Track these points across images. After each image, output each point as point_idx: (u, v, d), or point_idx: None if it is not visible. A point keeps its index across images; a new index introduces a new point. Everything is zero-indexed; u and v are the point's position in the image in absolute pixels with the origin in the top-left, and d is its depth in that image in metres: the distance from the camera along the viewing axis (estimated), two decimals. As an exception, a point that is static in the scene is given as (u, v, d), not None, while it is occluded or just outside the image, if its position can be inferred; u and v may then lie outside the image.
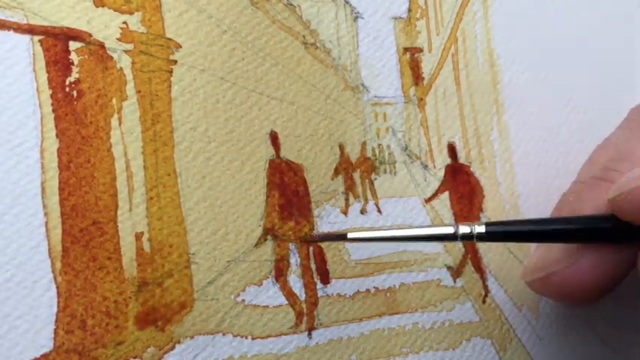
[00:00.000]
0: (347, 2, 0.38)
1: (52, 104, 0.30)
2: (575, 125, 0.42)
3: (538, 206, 0.40)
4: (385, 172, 0.37)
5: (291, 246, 0.34)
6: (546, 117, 0.41)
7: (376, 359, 0.35)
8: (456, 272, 0.38)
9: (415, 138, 0.39)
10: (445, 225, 0.31)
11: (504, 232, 0.32)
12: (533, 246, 0.38)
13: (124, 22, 0.32)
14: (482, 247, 0.39)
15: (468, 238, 0.31)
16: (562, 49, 0.42)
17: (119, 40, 0.32)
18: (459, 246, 0.38)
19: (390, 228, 0.33)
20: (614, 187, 0.30)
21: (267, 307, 0.33)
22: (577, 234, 0.32)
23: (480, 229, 0.31)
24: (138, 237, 0.31)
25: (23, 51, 0.30)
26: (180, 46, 0.33)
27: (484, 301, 0.38)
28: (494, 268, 0.39)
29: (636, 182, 0.29)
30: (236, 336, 0.32)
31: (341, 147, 0.36)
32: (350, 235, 0.32)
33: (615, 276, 0.32)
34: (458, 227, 0.31)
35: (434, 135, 0.39)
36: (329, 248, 0.35)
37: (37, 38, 0.30)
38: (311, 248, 0.35)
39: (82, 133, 0.30)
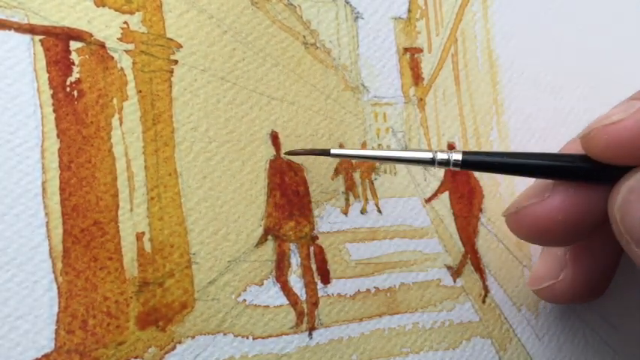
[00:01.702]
0: (347, 2, 0.38)
1: (53, 104, 0.30)
2: (575, 125, 0.42)
3: (538, 206, 0.40)
4: (385, 172, 0.37)
5: (292, 246, 0.34)
6: (546, 117, 0.41)
7: (377, 359, 0.35)
8: (456, 272, 0.38)
9: (415, 138, 0.39)
10: (424, 150, 0.32)
11: (479, 162, 0.32)
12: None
13: (125, 22, 0.32)
14: (482, 247, 0.39)
15: (444, 164, 0.32)
16: (562, 49, 0.43)
17: (120, 40, 0.32)
18: (458, 245, 0.38)
19: (373, 149, 0.33)
20: (586, 126, 0.30)
21: (267, 307, 0.33)
22: (549, 169, 0.32)
23: (457, 156, 0.32)
24: (139, 237, 0.31)
25: (24, 51, 0.30)
26: (181, 46, 0.33)
27: (484, 301, 0.38)
28: (494, 268, 0.39)
29: (604, 121, 0.29)
30: (237, 336, 0.32)
31: (341, 147, 0.36)
32: (333, 152, 0.33)
33: (586, 216, 0.31)
34: (436, 154, 0.32)
35: (434, 135, 0.39)
36: (329, 248, 0.35)
37: (37, 38, 0.30)
38: (311, 248, 0.35)
39: (83, 133, 0.30)
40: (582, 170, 0.31)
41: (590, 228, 0.32)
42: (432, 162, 0.32)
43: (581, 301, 0.35)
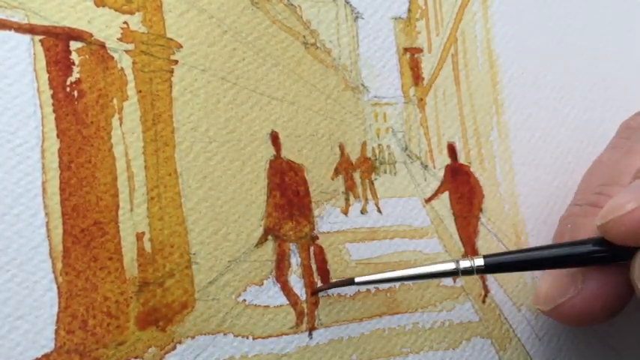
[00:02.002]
0: (347, 2, 0.38)
1: (53, 104, 0.30)
2: (575, 125, 0.42)
3: (537, 206, 0.40)
4: (385, 172, 0.37)
5: (292, 246, 0.34)
6: (546, 117, 0.41)
7: (377, 359, 0.35)
8: (456, 272, 0.38)
9: (415, 138, 0.39)
10: (446, 262, 0.33)
11: (502, 264, 0.33)
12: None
13: (125, 22, 0.32)
14: (482, 247, 0.39)
15: (468, 272, 0.33)
16: (562, 49, 0.43)
17: (120, 40, 0.32)
18: (458, 246, 0.38)
19: (394, 270, 0.34)
20: (601, 213, 0.32)
21: (268, 307, 0.33)
22: (572, 259, 0.33)
23: (479, 262, 0.32)
24: (139, 237, 0.31)
25: (24, 51, 0.30)
26: (181, 46, 0.33)
27: (484, 301, 0.38)
28: (494, 268, 0.39)
29: (621, 210, 0.31)
30: (237, 336, 0.32)
31: (341, 147, 0.36)
32: (357, 280, 0.33)
33: (620, 295, 0.33)
34: (459, 263, 0.32)
35: (434, 135, 0.39)
36: (330, 248, 0.35)
37: (37, 38, 0.30)
38: (311, 248, 0.35)
39: (83, 133, 0.30)
40: (605, 253, 0.32)
41: (627, 300, 0.33)
42: (456, 272, 0.33)
43: (593, 320, 0.34)
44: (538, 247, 0.35)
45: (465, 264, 0.32)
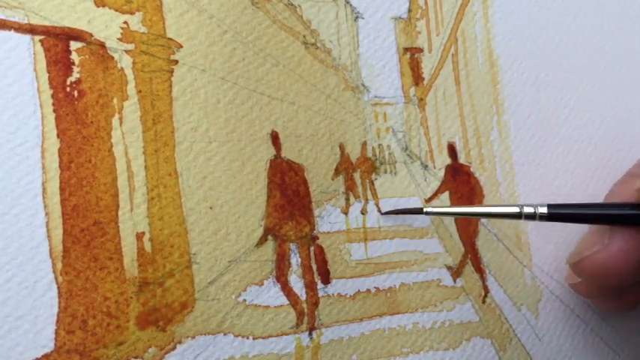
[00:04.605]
0: (347, 2, 0.38)
1: (53, 104, 0.30)
2: (575, 125, 0.42)
3: (538, 206, 0.40)
4: (385, 172, 0.37)
5: (292, 246, 0.34)
6: (546, 117, 0.41)
7: (377, 359, 0.35)
8: (456, 272, 0.38)
9: (415, 138, 0.39)
10: (511, 205, 0.35)
11: (564, 214, 0.35)
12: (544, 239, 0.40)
13: (125, 22, 0.32)
14: (482, 247, 0.39)
15: (531, 217, 0.34)
16: (562, 49, 0.43)
17: (120, 40, 0.32)
18: (458, 246, 0.38)
19: (463, 206, 0.38)
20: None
21: (268, 307, 0.33)
22: (609, 218, 0.35)
23: (543, 209, 0.34)
24: (139, 237, 0.31)
25: (24, 51, 0.30)
26: (181, 46, 0.33)
27: (484, 301, 0.38)
28: (494, 268, 0.39)
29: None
30: (237, 336, 0.32)
31: (341, 147, 0.36)
32: (426, 210, 0.35)
33: None
34: (522, 208, 0.34)
35: (434, 135, 0.39)
36: (330, 248, 0.35)
37: (37, 38, 0.30)
38: (312, 248, 0.35)
39: (83, 133, 0.30)
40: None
41: None
42: (519, 216, 0.35)
43: (613, 277, 0.35)
44: (600, 204, 0.36)
45: (528, 210, 0.34)
